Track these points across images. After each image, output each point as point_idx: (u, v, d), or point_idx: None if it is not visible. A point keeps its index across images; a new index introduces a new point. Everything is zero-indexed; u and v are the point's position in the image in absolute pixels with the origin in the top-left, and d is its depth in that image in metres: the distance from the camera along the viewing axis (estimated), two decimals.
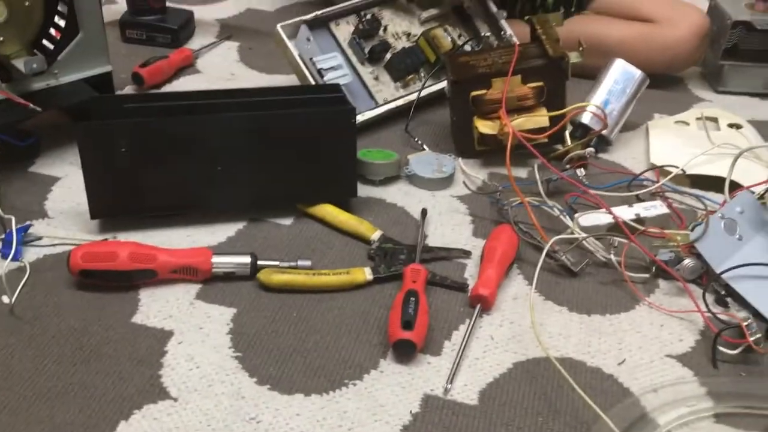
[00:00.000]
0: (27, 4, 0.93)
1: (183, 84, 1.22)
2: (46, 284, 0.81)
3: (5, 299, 0.77)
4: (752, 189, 0.93)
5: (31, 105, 0.89)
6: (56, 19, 1.00)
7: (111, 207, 0.88)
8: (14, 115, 0.93)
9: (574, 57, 1.03)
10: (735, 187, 0.94)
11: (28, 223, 0.88)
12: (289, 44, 1.10)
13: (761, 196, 0.92)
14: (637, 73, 1.09)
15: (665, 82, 1.28)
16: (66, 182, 0.97)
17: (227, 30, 1.40)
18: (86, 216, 0.88)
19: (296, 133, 0.89)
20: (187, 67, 1.26)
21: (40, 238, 0.87)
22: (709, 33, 1.24)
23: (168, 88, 1.21)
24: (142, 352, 0.74)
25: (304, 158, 0.91)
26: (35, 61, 0.93)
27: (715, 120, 1.14)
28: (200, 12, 1.43)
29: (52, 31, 1.00)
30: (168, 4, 1.34)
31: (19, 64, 0.93)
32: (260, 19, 1.45)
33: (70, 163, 1.00)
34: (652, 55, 1.22)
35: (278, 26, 1.10)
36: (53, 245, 0.86)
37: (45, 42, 1.00)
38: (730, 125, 1.13)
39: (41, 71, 0.95)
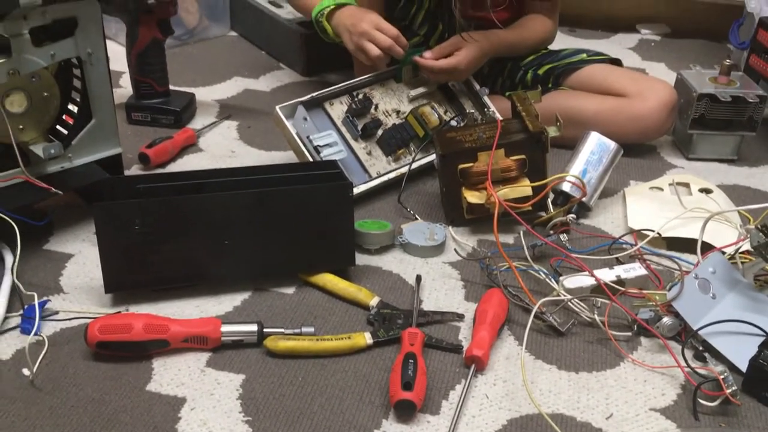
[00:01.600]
0: (45, 94, 1.01)
1: (187, 162, 1.29)
2: (63, 356, 0.85)
3: (26, 372, 0.82)
4: (723, 250, 1.00)
5: (53, 189, 0.95)
6: (70, 106, 1.07)
7: (125, 281, 0.93)
8: (31, 196, 0.99)
9: (552, 131, 1.11)
10: (707, 248, 1.01)
11: (45, 298, 0.93)
12: (288, 124, 1.18)
13: (731, 257, 0.99)
14: (612, 145, 1.18)
15: (639, 151, 1.36)
16: (79, 259, 1.02)
17: (227, 110, 1.48)
18: (100, 290, 0.93)
19: (297, 208, 0.96)
20: (190, 146, 1.33)
21: (56, 313, 0.91)
22: (676, 105, 1.33)
23: (172, 166, 1.27)
24: (157, 419, 0.78)
25: (304, 230, 0.97)
26: (53, 146, 1.00)
27: (687, 185, 1.22)
28: (201, 93, 1.51)
29: (67, 117, 1.07)
30: (171, 87, 1.42)
31: (38, 149, 0.99)
32: (257, 99, 1.53)
33: (82, 240, 1.06)
34: (624, 126, 1.30)
35: (277, 108, 1.18)
36: (69, 319, 0.91)
37: (59, 128, 1.07)
38: (701, 190, 1.20)
39: (58, 156, 1.01)
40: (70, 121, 1.07)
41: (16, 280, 0.91)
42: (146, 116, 1.37)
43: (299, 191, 0.96)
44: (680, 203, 1.15)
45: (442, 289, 1.00)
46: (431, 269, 1.04)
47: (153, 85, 1.36)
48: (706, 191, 1.20)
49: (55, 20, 0.97)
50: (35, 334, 0.85)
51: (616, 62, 1.43)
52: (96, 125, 1.07)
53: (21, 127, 0.99)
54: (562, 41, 1.84)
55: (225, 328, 0.87)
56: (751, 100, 1.30)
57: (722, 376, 0.81)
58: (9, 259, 0.96)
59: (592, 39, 1.94)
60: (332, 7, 1.28)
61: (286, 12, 1.70)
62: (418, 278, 1.01)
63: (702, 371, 0.84)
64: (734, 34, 1.65)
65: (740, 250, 1.00)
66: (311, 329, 0.89)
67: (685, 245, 1.07)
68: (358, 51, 1.24)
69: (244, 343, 0.88)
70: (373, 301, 0.95)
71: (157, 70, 1.36)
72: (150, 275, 0.94)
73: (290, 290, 0.98)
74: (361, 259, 1.04)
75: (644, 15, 2.00)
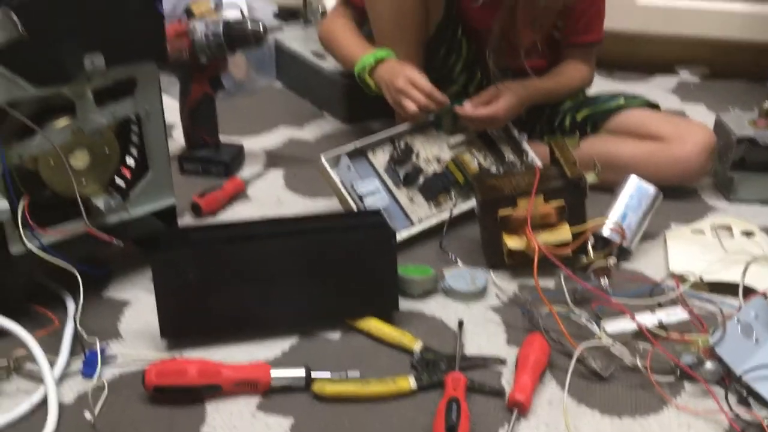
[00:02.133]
0: (106, 150, 1.07)
1: (236, 211, 1.34)
2: (122, 400, 0.89)
3: (88, 415, 0.86)
4: (766, 294, 1.00)
5: (115, 240, 1.01)
6: (128, 159, 1.13)
7: (179, 327, 0.98)
8: (93, 247, 1.05)
9: (590, 178, 1.13)
10: (750, 292, 1.01)
11: (104, 343, 0.98)
12: (332, 173, 1.22)
13: None
14: (651, 189, 1.19)
15: (680, 193, 1.37)
16: (135, 305, 1.07)
17: (273, 159, 1.53)
18: (155, 335, 0.98)
19: (343, 255, 0.99)
20: (239, 194, 1.39)
21: (115, 357, 0.96)
22: (715, 148, 1.34)
23: (222, 215, 1.33)
24: None
25: (350, 277, 1.00)
26: (113, 199, 1.06)
27: (729, 228, 1.22)
28: (248, 143, 1.57)
29: (125, 170, 1.13)
30: (220, 137, 1.48)
31: (99, 202, 1.05)
32: (302, 148, 1.59)
33: (138, 287, 1.11)
34: (663, 170, 1.32)
35: (322, 157, 1.22)
36: (127, 364, 0.95)
37: (118, 180, 1.13)
38: (744, 233, 1.21)
39: (117, 208, 1.07)
40: (128, 174, 1.13)
41: (78, 327, 0.96)
42: (197, 167, 1.44)
43: (344, 239, 1.00)
44: (721, 246, 1.15)
45: (483, 333, 1.02)
46: (473, 314, 1.06)
47: (204, 138, 1.43)
48: (749, 234, 1.20)
49: (116, 81, 1.04)
50: (96, 377, 0.90)
51: (654, 105, 1.45)
52: (152, 178, 1.12)
53: (83, 181, 1.05)
54: (601, 84, 1.87)
55: (274, 373, 0.90)
56: None
57: (767, 422, 0.81)
58: (71, 306, 1.02)
59: (631, 82, 1.96)
60: (373, 63, 1.33)
61: (329, 63, 1.76)
62: (460, 323, 1.03)
63: (746, 416, 0.84)
64: None
65: None
66: (357, 373, 0.92)
67: (728, 289, 1.07)
68: (397, 106, 1.30)
69: (292, 387, 0.91)
70: (417, 346, 0.97)
71: (208, 123, 1.43)
72: (203, 321, 0.98)
73: (336, 335, 1.02)
74: (404, 304, 1.06)
75: (683, 57, 2.02)
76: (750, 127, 1.35)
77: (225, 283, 0.97)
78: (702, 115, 1.72)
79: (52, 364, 0.91)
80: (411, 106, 1.27)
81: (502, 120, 1.31)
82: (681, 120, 1.44)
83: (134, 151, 1.12)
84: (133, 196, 1.11)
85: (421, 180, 1.29)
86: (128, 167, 1.13)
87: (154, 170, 1.12)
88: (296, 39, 1.89)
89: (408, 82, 1.28)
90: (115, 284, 1.12)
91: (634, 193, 1.19)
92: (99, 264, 1.09)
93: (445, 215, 1.26)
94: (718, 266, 1.10)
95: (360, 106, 1.69)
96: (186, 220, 1.30)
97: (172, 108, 1.48)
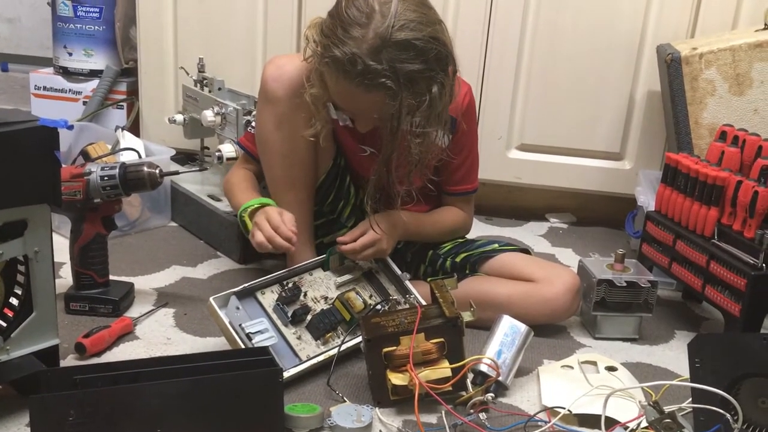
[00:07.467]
0: None
1: (122, 350, 1.33)
2: None
3: None
4: (627, 425, 1.08)
5: None
6: (12, 299, 1.12)
7: None
8: None
9: (467, 316, 1.21)
10: (612, 423, 1.10)
11: None
12: (221, 313, 1.25)
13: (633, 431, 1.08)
14: (523, 327, 1.29)
15: (551, 331, 1.48)
16: None
17: (164, 298, 1.54)
18: None
19: (230, 394, 1.01)
20: (127, 334, 1.38)
21: None
22: (580, 289, 1.47)
23: (108, 355, 1.31)
24: None
25: (237, 416, 1.01)
26: None
27: (594, 363, 1.32)
28: (139, 282, 1.57)
29: (7, 310, 1.12)
30: (110, 276, 1.48)
31: None
32: (194, 287, 1.60)
33: None
34: (535, 309, 1.43)
35: (211, 299, 1.25)
36: None
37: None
38: (607, 368, 1.31)
39: None
40: (10, 314, 1.11)
41: None
42: (84, 306, 1.42)
43: (231, 378, 1.02)
44: (587, 381, 1.24)
45: None
46: None
47: (93, 277, 1.42)
48: (611, 369, 1.30)
49: (6, 223, 1.05)
50: None
51: (525, 251, 1.58)
52: (36, 318, 1.11)
53: None
54: (481, 229, 2.03)
55: None
56: (643, 285, 1.46)
57: None
58: None
59: (507, 227, 2.12)
60: (255, 206, 1.41)
61: (224, 205, 1.82)
62: None
63: None
64: (629, 224, 1.85)
65: (641, 425, 1.09)
66: None
67: (595, 421, 1.15)
68: (251, 238, 1.36)
69: None
70: None
71: (99, 262, 1.43)
72: None
73: None
74: None
75: (552, 205, 2.21)
76: (608, 270, 1.49)
77: (108, 426, 0.95)
78: (570, 259, 1.88)
79: None
80: (259, 237, 1.33)
81: (384, 240, 1.39)
82: (549, 264, 1.58)
83: (19, 290, 1.11)
84: (14, 336, 1.09)
85: (308, 318, 1.34)
86: (11, 307, 1.12)
87: (39, 310, 1.12)
88: (192, 181, 1.95)
89: (264, 219, 1.35)
90: None
91: (508, 331, 1.28)
92: None
93: (332, 352, 1.29)
94: (586, 400, 1.18)
95: (253, 247, 1.74)
96: (69, 361, 1.27)
97: (61, 245, 1.48)
